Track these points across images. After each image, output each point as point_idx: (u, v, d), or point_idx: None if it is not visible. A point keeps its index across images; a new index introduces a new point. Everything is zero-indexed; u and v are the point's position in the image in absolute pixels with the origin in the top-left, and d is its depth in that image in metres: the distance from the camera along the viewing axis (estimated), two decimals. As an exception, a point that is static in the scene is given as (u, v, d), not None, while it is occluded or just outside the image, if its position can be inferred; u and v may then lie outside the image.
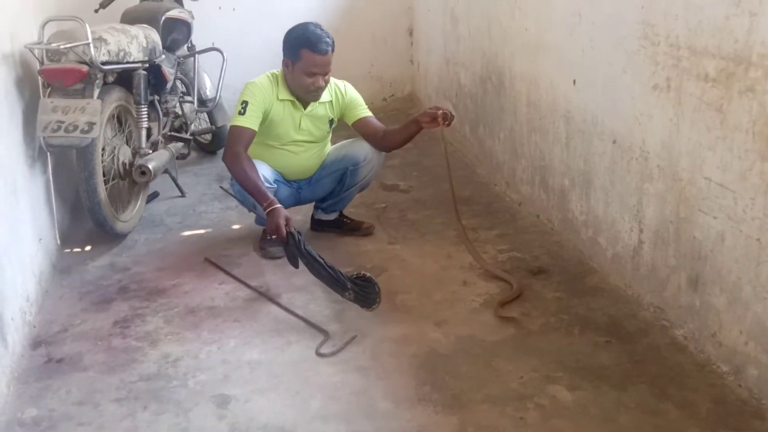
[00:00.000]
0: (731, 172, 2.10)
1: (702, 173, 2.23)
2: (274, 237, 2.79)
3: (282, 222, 2.72)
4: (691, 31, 2.21)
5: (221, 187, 3.85)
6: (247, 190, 2.91)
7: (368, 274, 2.62)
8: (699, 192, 2.26)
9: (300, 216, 3.60)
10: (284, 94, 3.08)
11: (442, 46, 4.96)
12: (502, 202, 3.80)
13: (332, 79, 3.14)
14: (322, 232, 3.44)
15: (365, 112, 3.23)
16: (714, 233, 2.21)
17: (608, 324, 2.54)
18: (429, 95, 5.53)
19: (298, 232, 2.70)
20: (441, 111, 2.97)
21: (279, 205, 2.79)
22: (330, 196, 3.35)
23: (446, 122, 2.97)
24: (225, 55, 4.33)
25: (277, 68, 3.11)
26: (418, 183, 4.18)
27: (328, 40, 2.97)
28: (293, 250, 2.67)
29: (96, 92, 3.13)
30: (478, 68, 4.20)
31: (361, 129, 3.23)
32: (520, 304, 2.69)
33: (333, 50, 3.00)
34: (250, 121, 2.98)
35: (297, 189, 3.30)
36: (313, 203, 3.45)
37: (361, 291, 2.59)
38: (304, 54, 2.95)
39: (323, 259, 2.65)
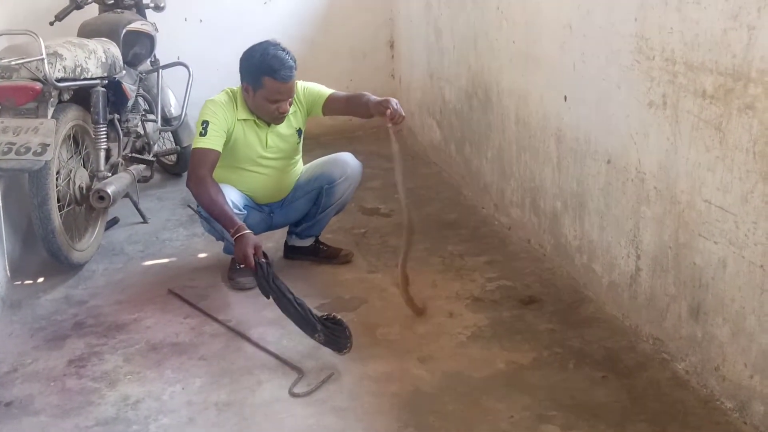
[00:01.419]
0: (732, 194, 2.13)
1: (701, 195, 2.26)
2: (242, 266, 2.78)
3: (250, 251, 2.71)
4: (687, 45, 2.25)
5: (189, 206, 3.80)
6: (214, 216, 2.90)
7: (338, 317, 2.59)
8: (699, 215, 2.28)
9: (272, 243, 3.59)
10: (244, 114, 3.09)
11: (425, 60, 5.00)
12: (490, 227, 3.81)
13: None
14: (296, 259, 3.44)
15: (324, 92, 3.22)
16: (715, 259, 2.24)
17: (605, 357, 2.55)
18: (411, 112, 5.56)
19: (268, 263, 2.68)
20: (389, 110, 2.90)
21: (248, 231, 2.79)
22: (305, 219, 3.36)
23: (393, 122, 2.90)
24: (191, 69, 4.34)
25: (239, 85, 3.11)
26: (400, 206, 4.15)
27: (291, 63, 2.97)
28: (261, 281, 2.66)
29: (50, 111, 3.12)
30: (464, 83, 4.23)
31: (333, 109, 3.21)
32: (510, 337, 2.69)
33: (296, 70, 3.01)
34: (212, 141, 2.99)
35: (269, 213, 3.29)
36: (286, 228, 3.45)
37: (332, 334, 2.57)
38: (267, 82, 2.96)
39: (293, 295, 2.63)
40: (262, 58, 2.96)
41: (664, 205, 2.45)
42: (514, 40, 3.47)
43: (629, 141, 2.60)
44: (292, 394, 2.41)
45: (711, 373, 2.31)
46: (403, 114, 2.94)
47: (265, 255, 2.71)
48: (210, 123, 2.99)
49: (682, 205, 2.35)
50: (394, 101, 2.95)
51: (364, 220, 3.96)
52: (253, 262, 2.68)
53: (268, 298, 2.67)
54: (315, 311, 2.62)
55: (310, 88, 3.23)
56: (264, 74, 2.95)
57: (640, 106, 2.51)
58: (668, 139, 2.38)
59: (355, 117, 3.27)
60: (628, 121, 2.59)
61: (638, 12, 2.47)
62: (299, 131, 3.24)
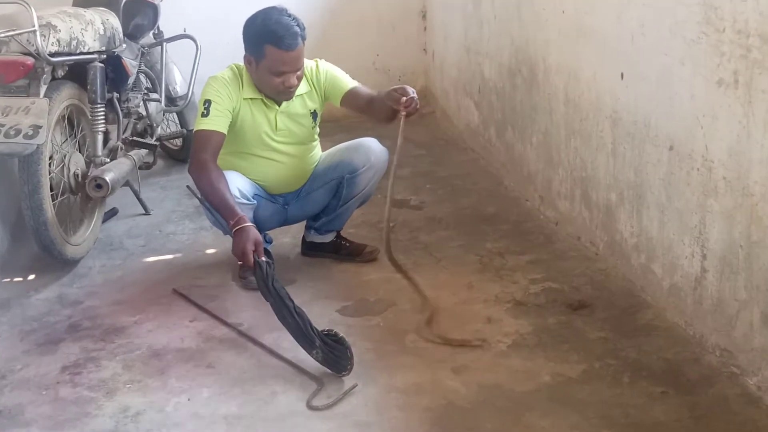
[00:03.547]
0: (813, 185, 2.11)
1: (778, 186, 2.23)
2: (240, 263, 2.80)
3: (250, 247, 2.72)
4: (763, 15, 2.22)
5: (188, 187, 3.82)
6: (214, 206, 2.92)
7: (341, 334, 2.57)
8: (774, 209, 2.26)
9: (288, 238, 3.62)
10: (250, 92, 3.11)
11: (461, 32, 4.99)
12: (534, 221, 3.80)
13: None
14: (315, 257, 3.46)
15: (348, 83, 3.24)
16: (793, 260, 2.21)
17: (665, 371, 2.53)
18: (446, 91, 5.56)
19: (268, 262, 2.69)
20: (404, 98, 2.93)
21: (249, 225, 2.80)
22: (324, 213, 3.37)
23: (407, 111, 2.94)
24: (199, 43, 4.37)
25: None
26: (432, 198, 4.19)
27: (296, 30, 2.98)
28: (260, 283, 2.67)
29: (43, 89, 3.16)
30: (506, 58, 4.22)
31: (351, 103, 3.23)
32: (556, 346, 2.69)
33: (304, 38, 3.01)
34: (216, 122, 3.01)
35: (283, 205, 3.31)
36: (304, 222, 3.47)
37: (331, 352, 2.54)
38: (270, 51, 2.97)
39: (293, 303, 2.63)
40: (263, 24, 2.97)
41: (734, 198, 2.42)
42: (564, 9, 3.45)
43: (695, 124, 2.57)
44: (311, 407, 2.42)
45: (787, 390, 2.29)
46: (418, 104, 2.98)
47: (267, 253, 2.72)
48: (213, 102, 3.01)
49: (756, 197, 2.33)
50: (410, 88, 2.98)
51: (391, 213, 3.95)
52: (252, 260, 2.69)
53: (268, 301, 2.68)
54: (315, 326, 2.60)
55: (332, 72, 3.24)
56: (266, 42, 2.96)
57: (708, 84, 2.48)
58: (740, 122, 2.36)
59: (373, 120, 3.23)
60: (693, 102, 2.57)
61: (707, -23, 2.45)
62: (314, 114, 3.24)
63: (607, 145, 3.16)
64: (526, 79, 3.95)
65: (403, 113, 2.94)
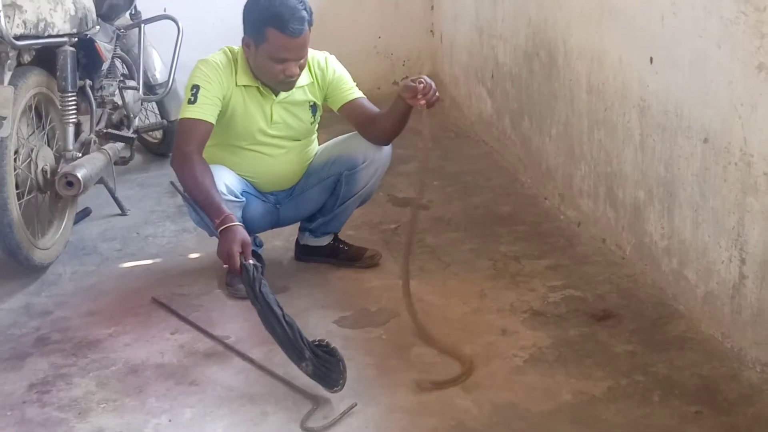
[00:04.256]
0: None
1: (825, 183, 2.23)
2: (225, 267, 2.80)
3: (236, 248, 2.71)
4: (807, -9, 2.22)
5: (171, 182, 3.82)
6: (198, 203, 2.92)
7: (332, 345, 2.56)
8: (821, 208, 2.26)
9: (280, 240, 3.61)
10: (245, 79, 3.10)
11: (472, 12, 4.99)
12: (554, 222, 3.80)
13: (309, 52, 3.12)
14: (310, 262, 3.46)
15: (354, 92, 3.25)
16: (842, 264, 2.21)
17: (699, 388, 2.53)
18: (455, 77, 5.56)
19: (256, 266, 2.69)
20: (422, 84, 2.93)
21: (236, 224, 2.79)
22: (320, 214, 3.37)
23: (426, 99, 2.93)
24: (181, 25, 4.36)
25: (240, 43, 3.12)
26: (440, 195, 4.18)
27: (304, 14, 2.97)
28: (247, 289, 2.67)
29: (7, 76, 3.15)
30: (522, 41, 4.21)
31: (350, 115, 3.24)
32: (578, 361, 2.68)
33: (311, 24, 3.01)
34: (203, 111, 3.00)
35: (275, 204, 3.31)
36: (297, 224, 3.47)
37: (322, 365, 2.54)
38: (272, 35, 2.96)
39: (282, 311, 2.62)
40: (268, 4, 2.97)
41: (776, 196, 2.42)
42: (586, -14, 3.45)
43: (732, 114, 2.57)
44: (306, 429, 2.42)
45: (835, 410, 2.28)
46: (437, 92, 2.95)
47: (256, 256, 2.71)
48: (201, 88, 3.01)
49: (800, 195, 2.33)
50: (425, 77, 2.98)
51: (394, 213, 3.96)
52: (238, 263, 2.69)
53: (255, 308, 2.67)
54: (306, 336, 2.59)
55: (341, 73, 3.24)
56: (268, 25, 2.95)
57: (747, 69, 2.48)
58: (783, 111, 2.36)
59: (400, 127, 3.17)
60: (730, 89, 2.57)
61: (745, -50, 2.45)
62: (314, 107, 3.24)
63: (635, 137, 3.16)
64: (545, 64, 3.95)
65: (422, 102, 2.93)
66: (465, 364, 2.69)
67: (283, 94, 3.14)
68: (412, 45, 5.97)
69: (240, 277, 2.73)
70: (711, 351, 2.71)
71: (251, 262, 2.69)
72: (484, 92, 4.92)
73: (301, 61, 3.04)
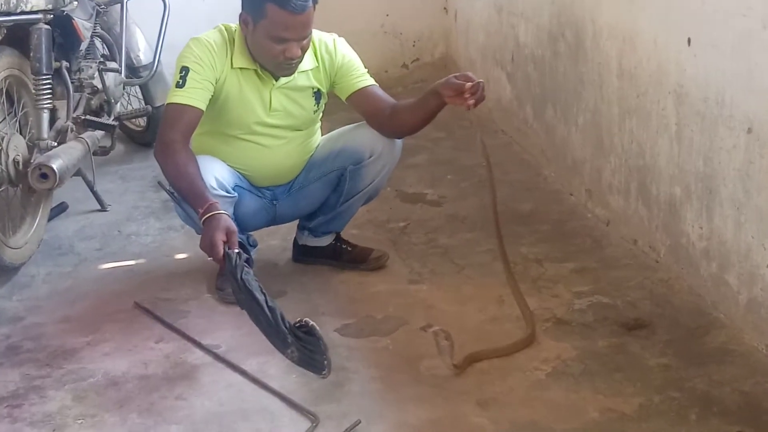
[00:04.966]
0: None
1: None
2: (210, 259, 2.80)
3: (219, 236, 2.72)
4: None
5: (159, 183, 3.84)
6: (181, 194, 2.93)
7: (311, 323, 2.57)
8: None
9: (277, 240, 3.62)
10: (242, 61, 3.10)
11: (491, -13, 4.99)
12: (581, 221, 3.80)
13: (315, 34, 3.14)
14: (310, 264, 3.47)
15: (366, 80, 3.25)
16: None
17: (741, 405, 2.52)
18: (471, 59, 5.56)
19: (239, 253, 2.69)
20: (470, 83, 2.95)
21: (221, 212, 2.80)
22: (321, 211, 3.38)
23: (474, 100, 2.96)
24: (167, 1, 4.37)
25: (236, 21, 3.12)
26: (453, 191, 4.18)
27: None
28: (230, 279, 2.67)
29: (-24, 57, 3.17)
30: (546, 19, 4.21)
31: (360, 105, 3.25)
32: (607, 375, 2.68)
33: (316, 2, 3.00)
34: (192, 95, 3.01)
35: (271, 200, 3.32)
36: (296, 222, 3.48)
37: (305, 347, 2.55)
38: (272, 11, 2.95)
39: (265, 296, 2.62)
40: None
41: (828, 193, 2.42)
42: (618, -41, 3.45)
43: (779, 101, 2.57)
44: (304, 449, 2.43)
45: None
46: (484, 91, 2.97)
47: (242, 247, 2.72)
48: (191, 70, 3.01)
49: None
50: (470, 73, 2.98)
51: (403, 210, 3.96)
52: (222, 253, 2.69)
53: (242, 309, 2.68)
54: (288, 320, 2.60)
55: (351, 58, 3.24)
56: (269, 0, 2.95)
57: (796, 52, 2.48)
58: (835, 98, 2.35)
59: (426, 123, 3.21)
60: (778, 74, 2.57)
61: None
62: (317, 94, 3.23)
63: (671, 127, 3.16)
64: (571, 45, 3.95)
65: (471, 102, 2.94)
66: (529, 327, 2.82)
67: (284, 79, 3.14)
68: (424, 24, 5.97)
69: (223, 271, 2.73)
70: (754, 364, 2.70)
71: (236, 251, 2.69)
72: (504, 76, 4.91)
73: (304, 42, 3.03)
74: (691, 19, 2.98)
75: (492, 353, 2.79)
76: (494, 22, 4.99)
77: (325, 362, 2.53)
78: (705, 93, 2.93)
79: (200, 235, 2.86)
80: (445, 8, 5.96)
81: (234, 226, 2.77)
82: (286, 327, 2.57)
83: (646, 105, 3.32)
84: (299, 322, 2.58)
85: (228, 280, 2.72)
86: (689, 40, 3.00)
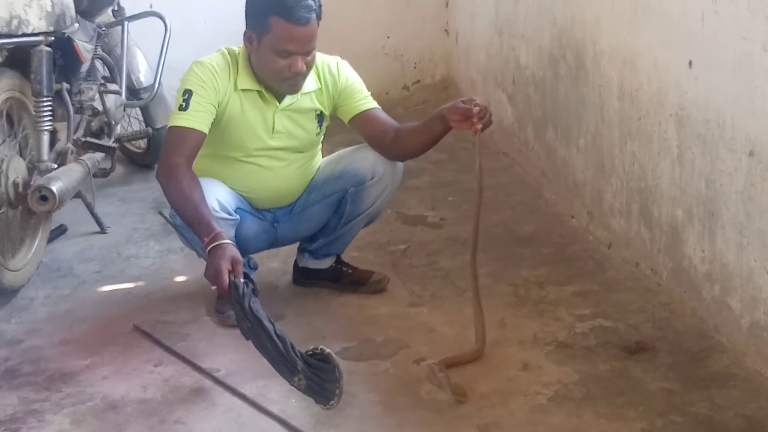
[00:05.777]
0: None
1: None
2: (214, 288, 2.80)
3: (225, 265, 2.72)
4: None
5: (160, 212, 3.87)
6: (186, 220, 2.93)
7: (327, 350, 2.59)
8: None
9: (277, 262, 3.61)
10: (246, 83, 3.10)
11: (492, 8, 5.00)
12: (582, 243, 3.80)
13: (319, 56, 3.15)
14: (310, 287, 3.46)
15: (369, 102, 3.25)
16: None
17: (744, 429, 2.51)
18: (472, 81, 5.57)
19: (246, 283, 2.70)
20: (477, 107, 2.97)
21: (227, 242, 2.80)
22: (322, 234, 3.37)
23: (482, 124, 2.98)
24: (168, 22, 4.38)
25: (240, 43, 3.13)
26: (454, 213, 4.18)
27: (310, 2, 2.97)
28: (236, 308, 2.67)
29: (-24, 79, 3.17)
30: (547, 42, 4.22)
31: (363, 128, 3.25)
32: (609, 399, 2.67)
33: (319, 16, 3.01)
34: (195, 119, 3.01)
35: (272, 222, 3.31)
36: (297, 244, 3.47)
37: (316, 376, 2.56)
38: (276, 24, 2.96)
39: (274, 325, 2.63)
40: None
41: (830, 216, 2.42)
42: (618, -19, 3.46)
43: (781, 124, 2.57)
44: (303, 475, 2.42)
45: None
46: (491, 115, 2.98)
47: (247, 277, 2.72)
48: (194, 93, 3.01)
49: None
50: (477, 99, 3.00)
51: (404, 232, 3.96)
52: (227, 282, 2.69)
53: (247, 339, 2.68)
54: (298, 348, 2.61)
55: (353, 81, 3.25)
56: (272, 13, 2.95)
57: (797, 74, 2.48)
58: (837, 121, 2.35)
59: (430, 147, 3.23)
60: (779, 97, 2.57)
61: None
62: (320, 117, 3.23)
63: (672, 149, 3.16)
64: (572, 67, 3.95)
65: (479, 126, 2.95)
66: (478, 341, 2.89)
67: (287, 101, 3.14)
68: (425, 45, 5.98)
69: (229, 298, 2.73)
70: (757, 388, 2.69)
71: (242, 280, 2.70)
72: (504, 98, 4.92)
73: (308, 57, 3.04)
74: (691, 42, 2.99)
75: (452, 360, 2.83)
76: (495, 43, 5.00)
77: (337, 391, 2.54)
78: (706, 115, 2.94)
79: (202, 259, 2.86)
80: (446, 30, 5.97)
81: (239, 256, 2.77)
82: (297, 355, 2.58)
83: (648, 127, 3.32)
84: (314, 349, 2.60)
85: (231, 306, 2.71)
86: (690, 63, 3.00)
